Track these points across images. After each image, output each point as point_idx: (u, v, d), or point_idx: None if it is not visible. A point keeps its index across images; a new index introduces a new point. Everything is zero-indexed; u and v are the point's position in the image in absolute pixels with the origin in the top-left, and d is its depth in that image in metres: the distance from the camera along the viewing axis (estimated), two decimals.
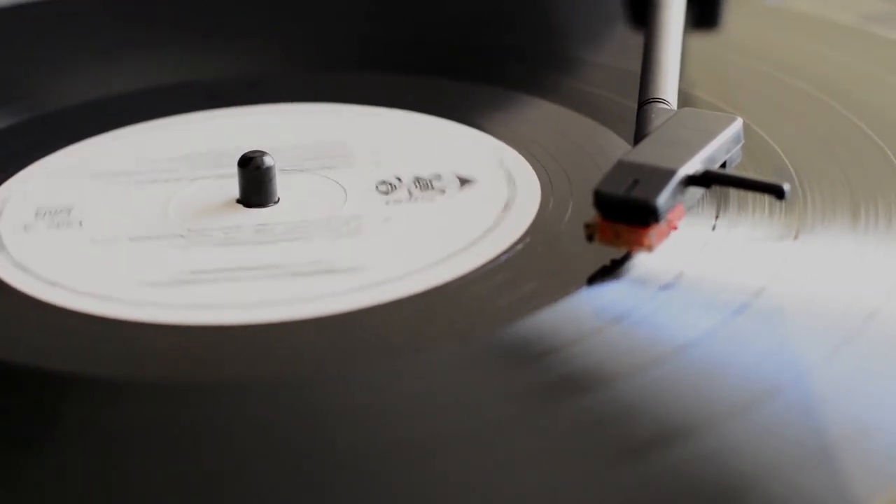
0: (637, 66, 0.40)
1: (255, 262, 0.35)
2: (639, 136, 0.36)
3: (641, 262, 0.33)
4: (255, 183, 0.37)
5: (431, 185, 0.38)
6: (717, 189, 0.35)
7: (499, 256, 0.34)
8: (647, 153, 0.34)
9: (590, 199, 0.33)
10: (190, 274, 0.35)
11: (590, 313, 0.32)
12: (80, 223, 0.37)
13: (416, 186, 0.38)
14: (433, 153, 0.40)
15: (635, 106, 0.38)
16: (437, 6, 0.51)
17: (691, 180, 0.33)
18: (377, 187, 0.38)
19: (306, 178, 0.39)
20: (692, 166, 0.33)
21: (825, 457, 0.27)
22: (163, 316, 0.33)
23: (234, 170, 0.38)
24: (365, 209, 0.37)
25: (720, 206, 0.35)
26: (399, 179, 0.39)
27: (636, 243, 0.32)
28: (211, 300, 0.33)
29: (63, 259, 0.36)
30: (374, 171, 0.39)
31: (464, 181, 0.38)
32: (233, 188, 0.38)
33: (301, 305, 0.33)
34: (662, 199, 0.32)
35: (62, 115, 0.43)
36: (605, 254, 0.33)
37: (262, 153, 0.37)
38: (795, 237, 0.35)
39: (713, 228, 0.35)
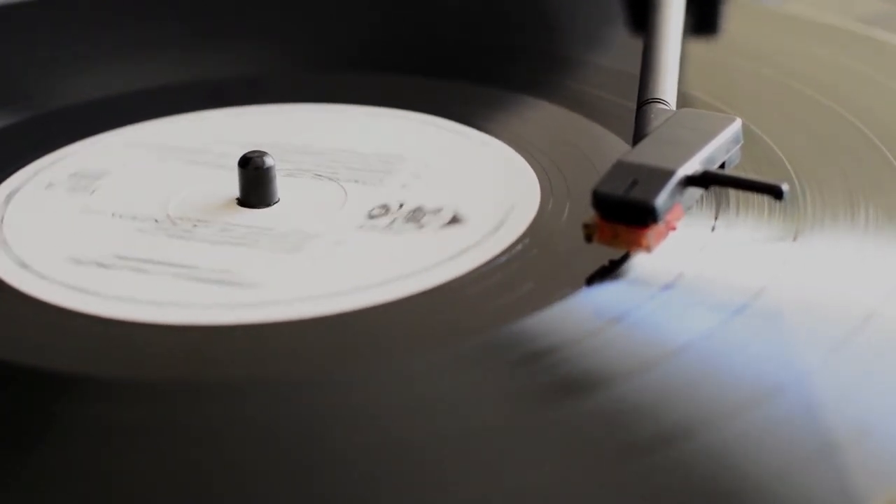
0: (636, 68, 0.40)
1: (265, 261, 0.35)
2: (638, 136, 0.36)
3: (641, 262, 0.33)
4: (255, 183, 0.37)
5: (429, 179, 0.38)
6: (716, 190, 0.35)
7: (498, 257, 0.34)
8: (645, 154, 0.34)
9: (589, 199, 0.33)
10: (114, 258, 0.35)
11: (589, 314, 0.32)
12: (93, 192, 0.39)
13: (415, 181, 0.38)
14: (431, 151, 0.40)
15: (634, 106, 0.38)
16: (437, 7, 0.51)
17: (690, 181, 0.33)
18: (375, 184, 0.38)
19: (304, 178, 0.39)
20: (691, 167, 0.33)
21: (824, 458, 0.27)
22: (162, 315, 0.33)
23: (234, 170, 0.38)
24: (367, 206, 0.37)
25: (719, 207, 0.35)
26: (395, 175, 0.39)
27: (635, 244, 0.32)
28: (208, 299, 0.33)
29: (69, 262, 0.36)
30: (370, 168, 0.39)
31: (461, 170, 0.38)
32: (232, 189, 0.38)
33: (299, 306, 0.33)
34: (661, 200, 0.32)
35: (60, 116, 0.44)
36: (604, 254, 0.33)
37: (263, 153, 0.37)
38: (794, 238, 0.34)
39: (712, 229, 0.35)
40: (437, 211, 0.37)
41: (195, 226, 0.37)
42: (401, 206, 0.37)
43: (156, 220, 0.37)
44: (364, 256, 0.35)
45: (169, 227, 0.37)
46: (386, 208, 0.37)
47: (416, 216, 0.37)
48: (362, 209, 0.37)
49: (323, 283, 0.34)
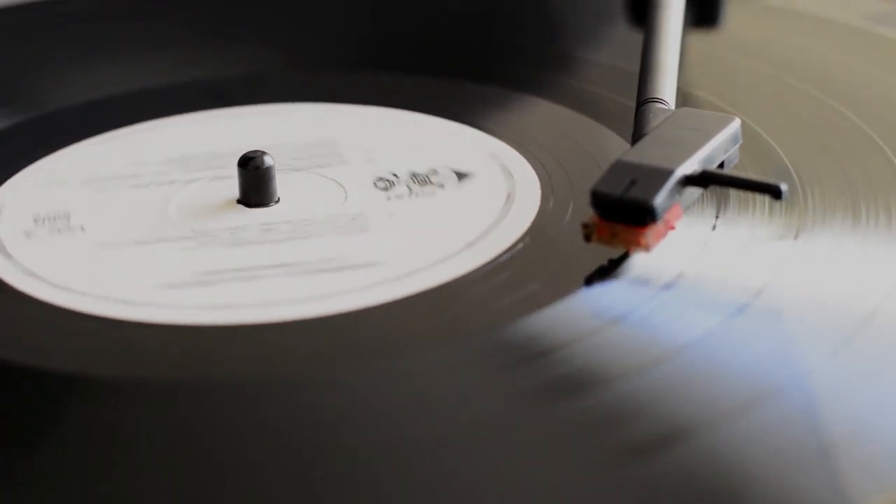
0: (636, 66, 0.40)
1: (267, 261, 0.35)
2: (637, 135, 0.36)
3: (641, 261, 0.33)
4: (255, 183, 0.37)
5: (429, 180, 0.38)
6: (717, 189, 0.35)
7: (498, 256, 0.34)
8: (644, 153, 0.34)
9: (588, 198, 0.33)
10: (205, 275, 0.35)
11: (589, 313, 0.32)
12: (82, 228, 0.37)
13: (414, 182, 0.38)
14: (430, 151, 0.40)
15: (634, 105, 0.37)
16: (436, 5, 0.51)
17: (689, 180, 0.33)
18: (375, 184, 0.38)
19: (303, 177, 0.39)
20: (690, 166, 0.33)
21: (824, 458, 0.27)
22: (165, 316, 0.33)
23: (232, 170, 0.38)
24: (368, 206, 0.37)
25: (720, 206, 0.35)
26: (395, 175, 0.39)
27: (633, 243, 0.32)
28: (208, 300, 0.33)
29: (72, 263, 0.36)
30: (369, 168, 0.39)
31: (461, 175, 0.38)
32: (232, 189, 0.38)
33: (300, 305, 0.33)
34: (660, 200, 0.32)
35: (61, 116, 0.44)
36: (604, 254, 0.33)
37: (262, 153, 0.37)
38: (795, 237, 0.34)
39: (713, 228, 0.35)
40: (435, 172, 0.38)
41: (234, 233, 0.37)
42: (395, 175, 0.38)
43: (188, 238, 0.37)
44: (431, 220, 0.36)
45: (212, 239, 0.36)
46: (386, 182, 0.38)
47: (421, 180, 0.38)
48: (366, 189, 0.38)
49: (431, 250, 0.35)
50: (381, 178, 0.39)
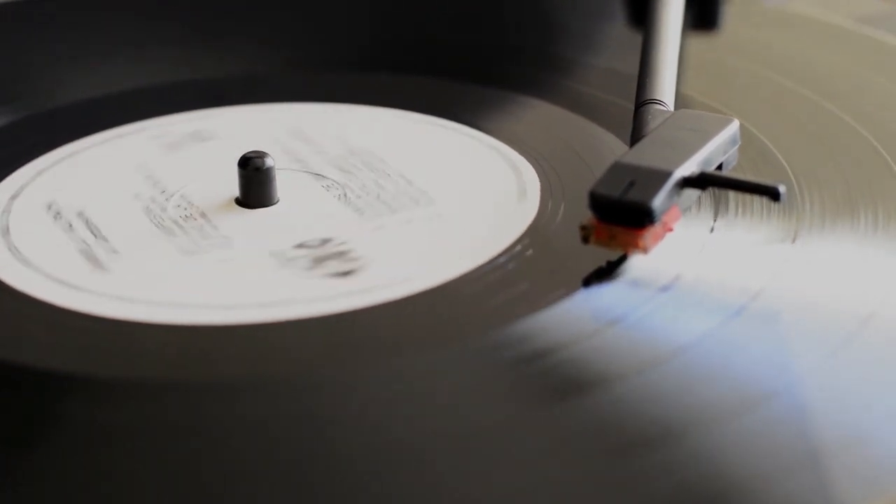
0: (635, 69, 0.40)
1: (109, 235, 0.36)
2: (635, 137, 0.36)
3: (639, 264, 0.33)
4: (251, 183, 0.37)
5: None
6: (715, 191, 0.35)
7: (497, 257, 0.34)
8: (643, 155, 0.34)
9: (587, 200, 0.33)
10: (74, 216, 0.37)
11: (587, 315, 0.32)
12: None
13: (314, 260, 0.35)
14: (427, 154, 0.40)
15: (633, 107, 0.37)
16: (436, 5, 0.51)
17: (687, 182, 0.33)
18: (304, 242, 0.36)
19: (341, 208, 0.38)
20: (688, 168, 0.33)
21: (820, 461, 0.27)
22: (163, 315, 0.33)
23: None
24: (253, 246, 0.36)
25: (718, 209, 0.35)
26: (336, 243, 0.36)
27: (631, 245, 0.32)
28: (211, 298, 0.33)
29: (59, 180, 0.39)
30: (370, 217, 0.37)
31: (346, 273, 0.34)
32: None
33: (300, 305, 0.33)
34: (658, 201, 0.32)
35: (61, 114, 0.44)
36: (602, 255, 0.33)
37: (263, 154, 0.37)
38: (793, 240, 0.34)
39: (711, 231, 0.35)
40: (353, 259, 0.35)
41: (170, 212, 0.37)
42: (340, 245, 0.36)
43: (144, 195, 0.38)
44: (221, 279, 0.34)
45: (149, 205, 0.38)
46: (323, 241, 0.36)
47: (322, 259, 0.35)
48: (304, 237, 0.36)
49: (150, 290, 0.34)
50: (324, 240, 0.36)
